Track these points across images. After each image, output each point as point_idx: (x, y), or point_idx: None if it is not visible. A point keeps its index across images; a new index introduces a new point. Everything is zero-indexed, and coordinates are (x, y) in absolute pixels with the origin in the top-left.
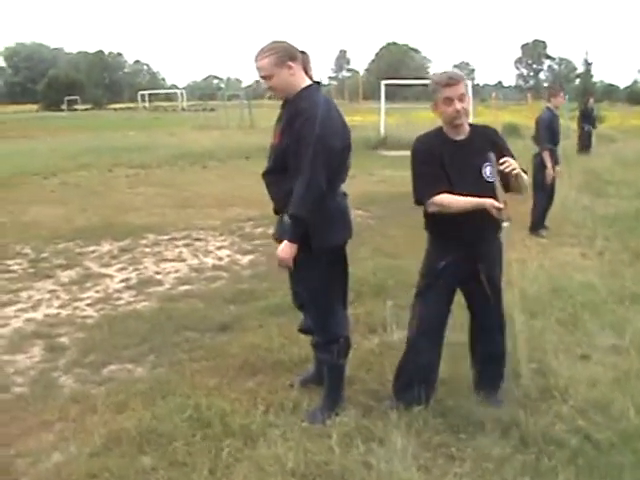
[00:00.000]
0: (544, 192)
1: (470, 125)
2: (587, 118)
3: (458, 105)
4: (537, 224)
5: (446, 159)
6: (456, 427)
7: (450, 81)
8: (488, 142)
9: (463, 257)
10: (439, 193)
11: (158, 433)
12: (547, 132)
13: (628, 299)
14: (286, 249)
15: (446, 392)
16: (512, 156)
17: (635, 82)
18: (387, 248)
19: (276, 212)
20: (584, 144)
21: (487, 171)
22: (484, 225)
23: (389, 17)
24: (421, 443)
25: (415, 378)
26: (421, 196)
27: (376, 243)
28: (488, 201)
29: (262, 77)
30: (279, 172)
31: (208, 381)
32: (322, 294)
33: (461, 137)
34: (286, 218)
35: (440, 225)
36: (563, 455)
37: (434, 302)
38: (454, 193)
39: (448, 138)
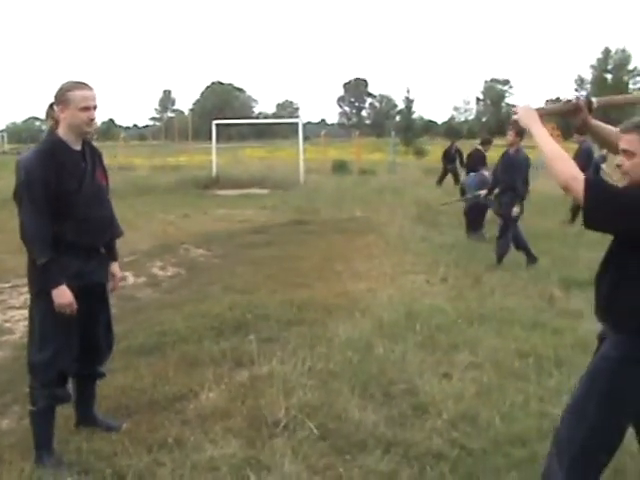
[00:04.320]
0: None
1: None
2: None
3: (618, 159)
4: None
5: None
6: (340, 449)
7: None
8: None
9: None
10: None
11: None
12: None
13: (476, 320)
14: None
15: (325, 416)
16: None
17: (452, 118)
18: (238, 285)
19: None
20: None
21: None
22: None
23: (213, 56)
24: (309, 467)
25: None
26: None
27: (225, 281)
28: None
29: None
30: None
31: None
32: None
33: None
34: None
35: None
36: (445, 466)
37: None
38: None
39: None
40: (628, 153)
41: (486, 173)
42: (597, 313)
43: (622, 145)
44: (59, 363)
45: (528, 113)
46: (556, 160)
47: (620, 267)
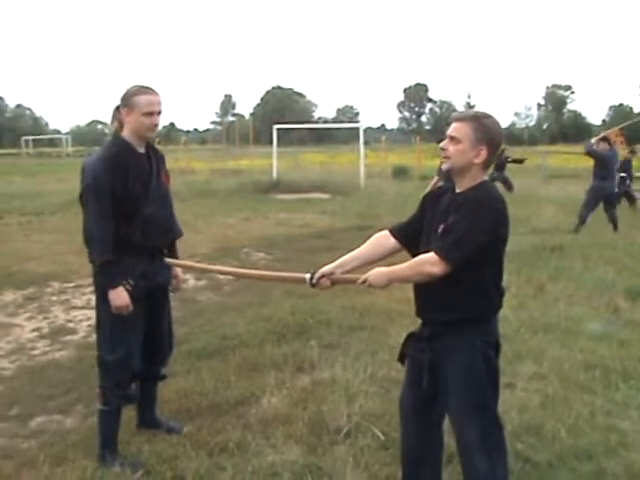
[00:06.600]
0: None
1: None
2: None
3: (443, 143)
4: None
5: None
6: None
7: (454, 117)
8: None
9: None
10: None
11: None
12: None
13: (540, 330)
14: None
15: (387, 424)
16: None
17: (512, 124)
18: (299, 289)
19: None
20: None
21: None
22: None
23: (274, 61)
24: (370, 476)
25: None
26: None
27: (287, 285)
28: None
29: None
30: None
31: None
32: None
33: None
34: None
35: None
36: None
37: None
38: None
39: None
40: (454, 140)
41: None
42: None
43: (450, 132)
44: (132, 363)
45: (378, 275)
46: (412, 274)
47: None
